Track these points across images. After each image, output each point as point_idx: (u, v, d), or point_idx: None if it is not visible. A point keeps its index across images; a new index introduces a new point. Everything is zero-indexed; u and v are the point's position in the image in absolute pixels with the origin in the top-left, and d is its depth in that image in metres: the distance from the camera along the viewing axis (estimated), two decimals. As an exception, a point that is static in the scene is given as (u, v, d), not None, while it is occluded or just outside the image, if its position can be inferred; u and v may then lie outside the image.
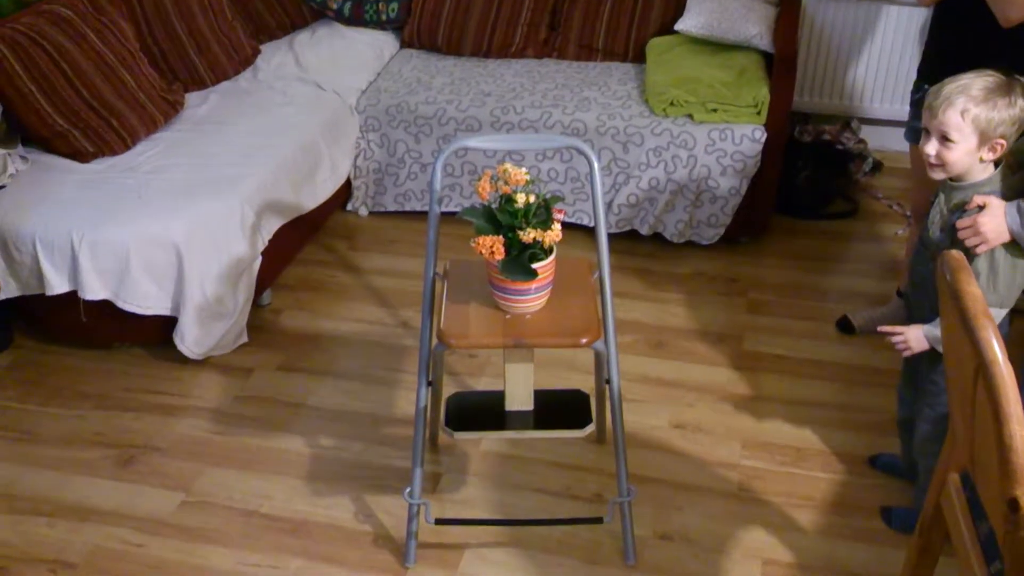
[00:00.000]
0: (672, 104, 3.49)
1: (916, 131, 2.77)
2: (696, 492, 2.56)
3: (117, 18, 3.42)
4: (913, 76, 2.80)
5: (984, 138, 1.99)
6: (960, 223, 2.04)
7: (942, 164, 2.04)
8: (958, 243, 2.04)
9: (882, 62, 4.10)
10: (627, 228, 3.67)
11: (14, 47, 3.06)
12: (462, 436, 2.30)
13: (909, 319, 2.29)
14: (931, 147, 2.04)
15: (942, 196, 2.14)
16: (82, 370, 3.08)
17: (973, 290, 1.48)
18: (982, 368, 1.41)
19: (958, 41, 2.58)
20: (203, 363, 3.06)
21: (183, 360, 3.02)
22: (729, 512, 2.50)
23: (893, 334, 2.19)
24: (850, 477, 2.60)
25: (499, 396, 2.30)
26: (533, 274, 2.03)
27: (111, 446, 2.77)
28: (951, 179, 2.10)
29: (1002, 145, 2.01)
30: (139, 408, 2.91)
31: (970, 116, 1.97)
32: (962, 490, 1.84)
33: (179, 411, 2.90)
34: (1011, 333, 2.18)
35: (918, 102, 2.73)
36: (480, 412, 2.34)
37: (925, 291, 2.19)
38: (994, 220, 1.99)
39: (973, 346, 1.43)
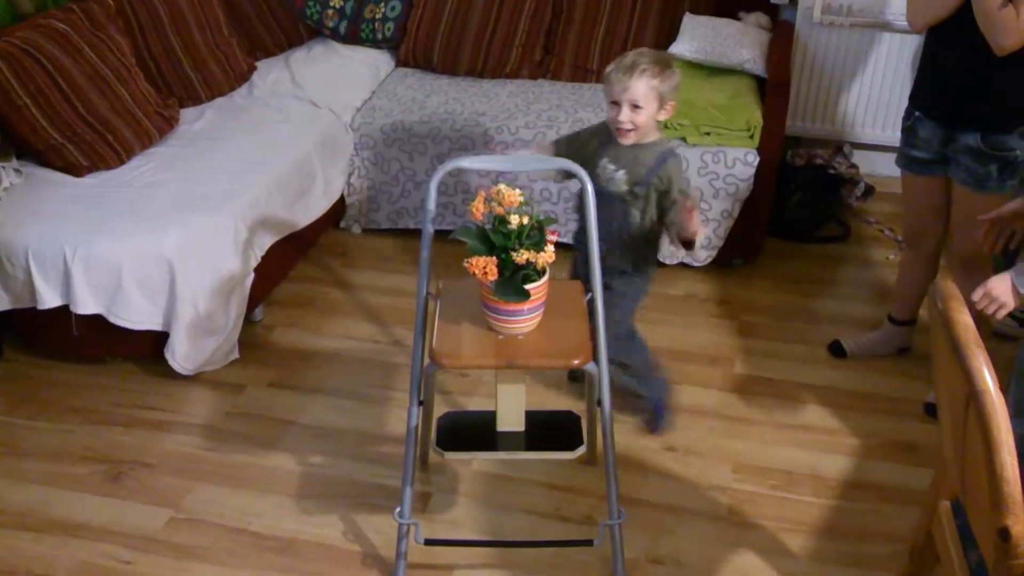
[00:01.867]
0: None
1: (907, 157, 2.79)
2: (687, 515, 2.56)
3: (114, 33, 3.43)
4: (905, 103, 2.82)
5: (661, 103, 2.43)
6: (975, 296, 2.17)
7: (635, 128, 2.43)
8: (636, 195, 2.48)
9: (874, 88, 4.13)
10: (620, 249, 3.68)
11: (9, 60, 3.06)
12: (453, 456, 2.30)
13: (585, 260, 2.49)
14: (625, 115, 2.41)
15: (621, 153, 2.48)
16: (72, 384, 3.07)
17: (964, 319, 1.49)
18: (973, 397, 1.42)
19: (951, 68, 2.60)
20: (194, 379, 3.06)
21: (174, 375, 3.01)
22: (720, 536, 2.50)
23: None
24: (841, 502, 2.60)
25: (490, 416, 2.30)
26: (526, 295, 2.03)
27: (100, 461, 2.76)
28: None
29: (671, 107, 2.46)
30: (129, 423, 2.90)
31: (653, 85, 2.39)
32: (953, 518, 1.84)
33: (169, 427, 2.89)
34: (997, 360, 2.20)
35: (909, 129, 2.75)
36: (471, 432, 2.34)
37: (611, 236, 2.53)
38: (1003, 283, 2.13)
39: (964, 375, 1.44)
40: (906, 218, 2.97)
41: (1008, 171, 2.58)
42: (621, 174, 2.50)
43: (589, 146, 2.57)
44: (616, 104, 2.41)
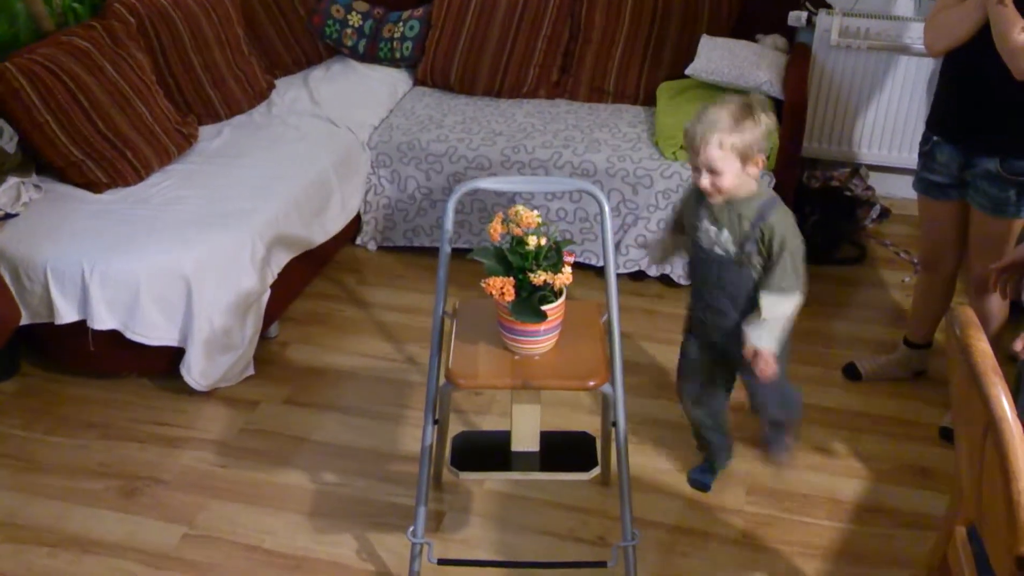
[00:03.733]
0: (682, 147, 3.51)
1: (924, 181, 2.79)
2: (701, 538, 2.55)
3: (134, 50, 3.46)
4: (922, 125, 2.82)
5: (745, 159, 2.18)
6: (1016, 346, 2.09)
7: (719, 191, 2.21)
8: (748, 254, 2.26)
9: (891, 110, 4.12)
10: (635, 269, 3.68)
11: (31, 77, 3.09)
12: (468, 476, 2.30)
13: (701, 334, 2.48)
14: (705, 181, 2.20)
15: (719, 212, 2.26)
16: (88, 399, 3.08)
17: (982, 346, 1.48)
18: (991, 424, 1.42)
19: (967, 92, 2.59)
20: (209, 395, 3.07)
21: (189, 391, 3.02)
22: (734, 559, 2.49)
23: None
24: (856, 526, 2.59)
25: (505, 436, 2.30)
26: (543, 316, 2.04)
27: (115, 477, 2.77)
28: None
29: (762, 159, 2.21)
30: (144, 439, 2.91)
31: (728, 145, 2.15)
32: (969, 543, 1.83)
33: (184, 443, 2.90)
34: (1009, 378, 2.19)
35: (927, 153, 2.75)
36: (486, 452, 2.35)
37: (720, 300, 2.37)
38: None
39: (982, 402, 1.43)
40: (923, 242, 2.96)
41: (1026, 196, 2.58)
42: (726, 235, 2.28)
43: (688, 206, 2.38)
44: (697, 169, 2.22)
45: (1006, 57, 2.39)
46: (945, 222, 2.81)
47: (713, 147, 2.15)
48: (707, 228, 2.30)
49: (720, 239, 2.29)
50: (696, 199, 2.32)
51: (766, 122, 2.18)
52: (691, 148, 2.20)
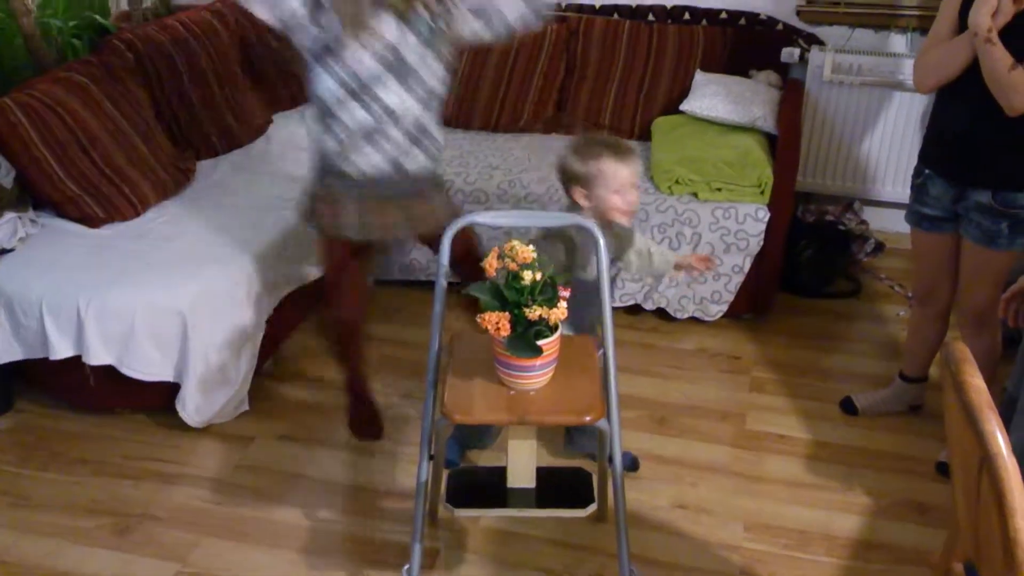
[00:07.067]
0: (677, 182, 3.53)
1: (917, 214, 2.80)
2: (698, 575, 2.53)
3: (132, 86, 3.48)
4: (914, 160, 2.84)
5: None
6: None
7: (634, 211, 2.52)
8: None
9: (884, 145, 4.15)
10: (631, 303, 3.68)
11: (29, 113, 3.11)
12: (463, 513, 2.28)
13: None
14: (636, 195, 2.51)
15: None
16: (82, 435, 3.07)
17: (976, 382, 1.48)
18: (986, 461, 1.41)
19: (961, 126, 2.61)
20: (204, 431, 3.05)
21: (184, 427, 3.01)
22: (731, 595, 2.47)
23: None
24: (854, 562, 2.58)
25: (501, 472, 2.29)
26: (538, 351, 2.04)
27: (108, 514, 2.75)
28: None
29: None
30: (138, 475, 2.90)
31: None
32: (966, 581, 1.82)
33: (178, 479, 2.88)
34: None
35: (920, 186, 2.76)
36: (481, 488, 2.33)
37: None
38: None
39: (977, 439, 1.43)
40: (916, 275, 2.97)
41: (1019, 229, 2.58)
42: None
43: (566, 251, 2.46)
44: (618, 192, 2.45)
45: (996, 94, 2.42)
46: (938, 255, 2.82)
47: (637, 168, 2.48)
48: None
49: (590, 262, 2.37)
50: (578, 240, 2.44)
51: None
52: (625, 168, 2.43)
